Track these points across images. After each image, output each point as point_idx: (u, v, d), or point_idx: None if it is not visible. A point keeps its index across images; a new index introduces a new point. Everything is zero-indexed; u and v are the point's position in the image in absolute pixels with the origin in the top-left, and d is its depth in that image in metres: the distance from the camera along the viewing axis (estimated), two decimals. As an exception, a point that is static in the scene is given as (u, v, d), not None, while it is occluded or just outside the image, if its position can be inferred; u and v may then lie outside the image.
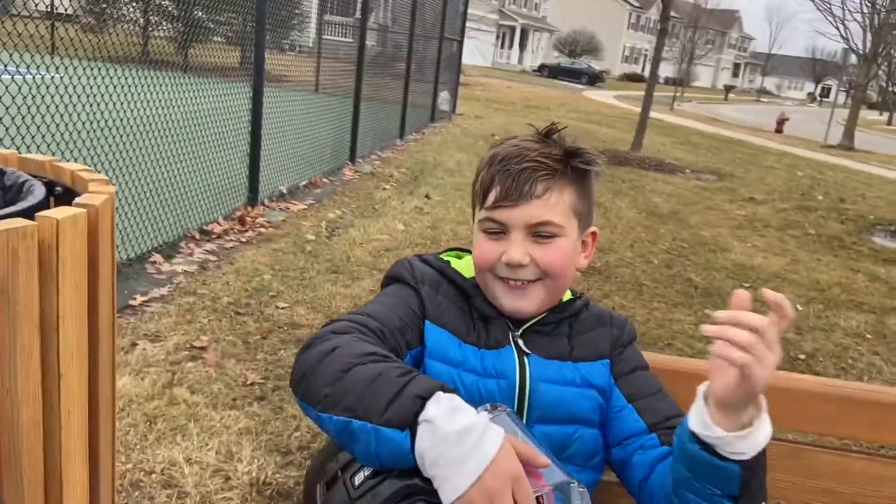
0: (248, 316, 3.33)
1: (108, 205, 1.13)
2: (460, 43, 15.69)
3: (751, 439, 0.80)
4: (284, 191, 5.84)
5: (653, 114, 13.80)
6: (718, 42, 75.82)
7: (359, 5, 8.93)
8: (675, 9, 17.78)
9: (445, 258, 1.15)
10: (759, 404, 0.81)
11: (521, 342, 1.04)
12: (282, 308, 3.47)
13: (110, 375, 1.19)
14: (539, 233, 1.01)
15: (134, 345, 2.89)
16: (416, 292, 1.06)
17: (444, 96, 14.37)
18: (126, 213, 3.94)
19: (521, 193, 1.00)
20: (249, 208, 5.11)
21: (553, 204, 1.01)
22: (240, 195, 5.18)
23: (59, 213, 0.99)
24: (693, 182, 9.83)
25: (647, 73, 18.33)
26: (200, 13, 6.83)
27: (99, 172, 1.28)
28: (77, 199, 1.08)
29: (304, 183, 6.34)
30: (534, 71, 51.36)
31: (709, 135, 18.57)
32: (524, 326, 1.06)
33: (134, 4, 9.90)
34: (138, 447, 2.21)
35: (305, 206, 5.59)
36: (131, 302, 3.29)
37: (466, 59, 23.42)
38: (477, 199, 1.06)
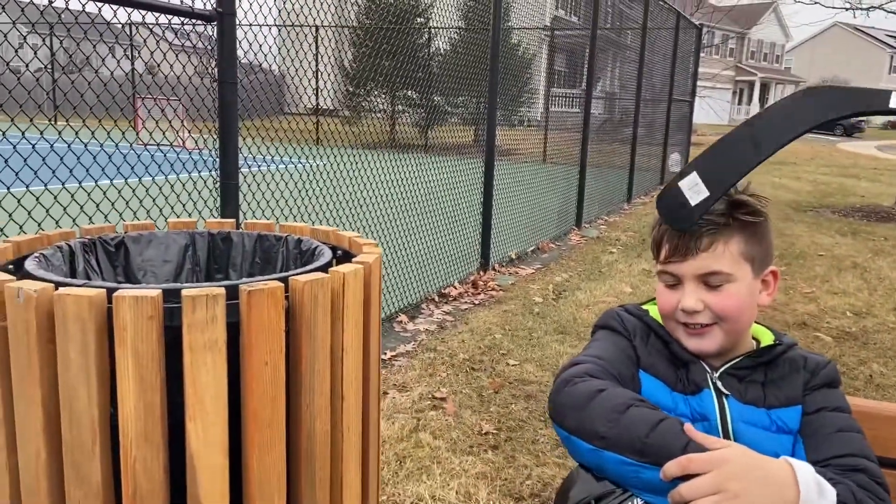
0: (482, 371, 3.58)
1: (377, 262, 1.42)
2: (691, 103, 15.34)
3: None
4: (513, 256, 6.17)
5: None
6: None
7: (584, 77, 9.23)
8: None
9: (644, 307, 1.24)
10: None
11: (719, 383, 1.10)
12: (512, 365, 3.67)
13: (377, 401, 1.45)
14: (709, 282, 1.09)
15: (385, 393, 3.26)
16: (630, 342, 1.17)
17: (674, 158, 14.07)
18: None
19: (687, 249, 1.10)
20: (482, 273, 5.48)
21: (720, 254, 1.08)
22: (473, 261, 5.58)
23: (344, 268, 1.29)
24: (978, 236, 8.47)
25: (912, 117, 16.28)
26: (438, 98, 7.59)
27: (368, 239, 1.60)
28: (355, 258, 1.38)
29: (531, 248, 6.63)
30: (775, 124, 47.74)
31: None
32: (721, 370, 1.12)
33: (383, 97, 11.15)
34: (391, 482, 2.50)
35: (533, 271, 5.84)
36: (382, 356, 3.72)
37: (699, 118, 22.67)
38: (653, 253, 1.17)
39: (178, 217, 3.11)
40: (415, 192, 5.07)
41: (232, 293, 1.15)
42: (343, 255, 1.57)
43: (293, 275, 1.23)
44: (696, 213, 1.06)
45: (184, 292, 1.10)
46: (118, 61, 3.09)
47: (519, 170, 7.15)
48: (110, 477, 1.14)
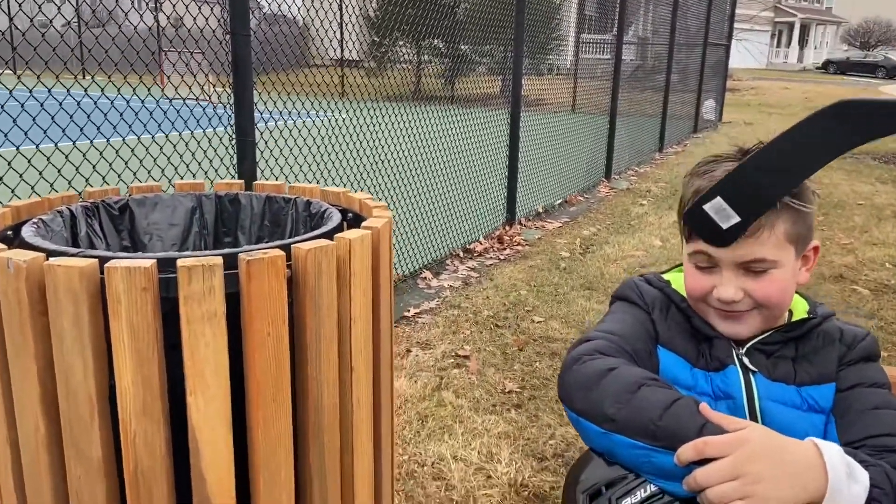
0: (506, 328, 3.53)
1: (387, 227, 1.34)
2: (727, 47, 14.78)
3: None
4: (540, 210, 6.05)
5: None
6: None
7: (616, 21, 8.90)
8: None
9: (666, 278, 1.15)
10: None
11: (746, 360, 1.02)
12: (537, 322, 3.62)
13: (389, 371, 1.40)
14: (751, 268, 0.99)
15: (408, 351, 3.24)
16: (648, 315, 1.09)
17: (708, 105, 13.64)
18: (402, 236, 4.42)
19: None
20: (507, 228, 5.39)
21: (765, 240, 0.97)
22: (499, 216, 5.49)
23: (351, 234, 1.22)
24: None
25: (963, 58, 15.44)
26: (465, 47, 7.39)
27: (380, 200, 1.52)
28: (364, 223, 1.31)
29: (559, 202, 6.50)
30: (817, 69, 46.17)
31: None
32: (748, 345, 1.03)
33: (408, 47, 10.94)
34: (412, 441, 2.48)
35: (560, 224, 5.73)
36: (405, 314, 3.68)
37: (735, 63, 21.93)
38: (683, 231, 1.05)
39: (194, 177, 3.07)
40: (440, 146, 4.96)
41: (231, 262, 1.10)
42: (354, 218, 1.50)
43: (296, 242, 1.17)
44: (730, 236, 0.96)
45: (179, 262, 1.04)
46: (141, 15, 3.03)
47: (547, 120, 6.97)
48: (112, 453, 1.11)
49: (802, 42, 52.13)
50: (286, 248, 1.15)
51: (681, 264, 1.19)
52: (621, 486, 0.92)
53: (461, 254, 4.78)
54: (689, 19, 11.40)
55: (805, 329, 1.04)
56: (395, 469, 1.50)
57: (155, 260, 1.06)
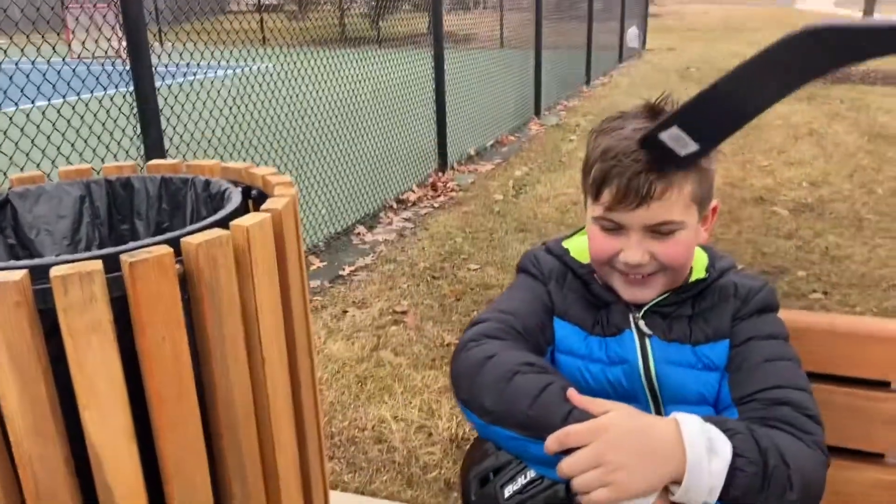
0: (443, 279, 3.51)
1: (291, 206, 1.27)
2: (648, -29, 14.72)
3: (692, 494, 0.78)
4: (472, 153, 5.99)
5: (880, 14, 11.96)
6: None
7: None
8: None
9: (566, 245, 1.12)
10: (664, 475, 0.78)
11: (641, 323, 1.00)
12: (473, 270, 3.60)
13: (308, 355, 1.35)
14: (659, 230, 0.96)
15: (344, 312, 3.19)
16: (545, 287, 1.06)
17: (632, 32, 13.64)
18: (332, 191, 4.30)
19: (638, 197, 0.93)
20: (440, 174, 5.32)
21: (673, 202, 0.94)
22: (431, 162, 5.40)
23: (248, 220, 1.14)
24: (937, 92, 8.44)
25: (874, -30, 15.83)
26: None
27: (285, 174, 1.44)
28: (264, 205, 1.23)
29: (490, 143, 6.44)
30: (736, -13, 46.58)
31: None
32: (644, 308, 1.01)
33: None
34: (352, 406, 2.46)
35: (493, 166, 5.69)
36: (341, 272, 3.62)
37: (657, -13, 21.90)
38: (589, 192, 1.01)
39: (106, 149, 2.88)
40: (366, 92, 4.80)
41: (114, 264, 1.01)
42: (258, 196, 1.41)
43: (186, 234, 1.08)
44: (686, 162, 0.91)
45: (52, 272, 0.95)
46: None
47: (475, 58, 6.83)
48: (11, 476, 1.04)
49: (723, -39, 52.44)
50: (175, 243, 1.07)
51: (583, 227, 1.15)
52: (505, 471, 0.92)
53: (395, 205, 4.70)
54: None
55: (700, 288, 1.02)
56: (322, 445, 1.47)
57: (26, 270, 0.97)
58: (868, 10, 10.50)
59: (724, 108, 0.85)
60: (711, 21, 21.81)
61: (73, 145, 2.68)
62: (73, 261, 1.00)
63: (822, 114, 7.15)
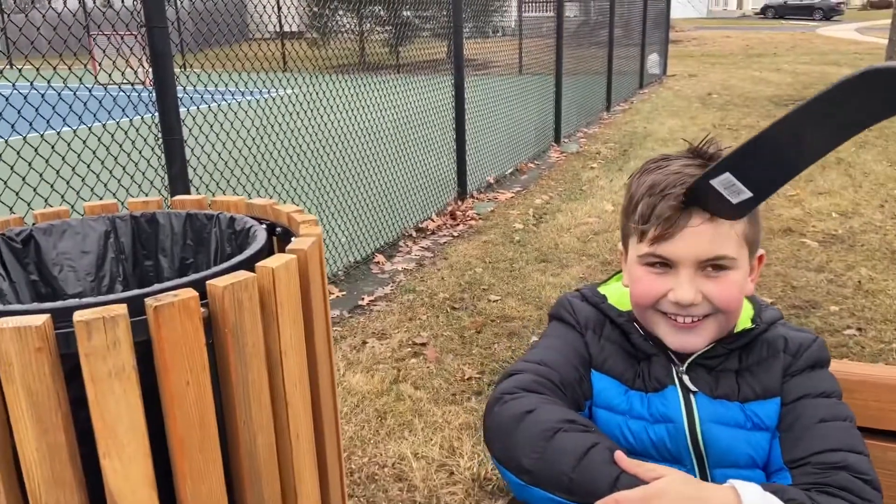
0: (463, 310, 3.47)
1: (316, 247, 1.24)
2: (667, -1, 14.78)
3: None
4: (492, 181, 5.98)
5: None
6: None
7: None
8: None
9: (603, 292, 1.07)
10: None
11: (685, 379, 0.95)
12: (493, 301, 3.56)
13: (331, 397, 1.31)
14: (711, 267, 0.92)
15: (364, 343, 3.15)
16: (582, 337, 1.02)
17: (652, 59, 13.65)
18: (352, 220, 4.30)
19: (690, 226, 0.90)
20: (459, 202, 5.31)
21: (725, 235, 0.90)
22: (450, 190, 5.39)
23: (274, 261, 1.11)
24: (963, 120, 8.31)
25: (895, -3, 15.72)
26: (407, 12, 7.18)
27: (307, 208, 1.42)
28: (289, 246, 1.20)
29: (510, 171, 6.43)
30: (756, 14, 46.69)
31: (984, 58, 15.51)
32: (688, 360, 0.96)
33: (349, 16, 10.64)
34: (371, 442, 2.42)
35: (513, 194, 5.67)
36: (360, 302, 3.59)
37: (676, 14, 21.98)
38: (633, 231, 0.96)
39: (130, 179, 2.89)
40: (385, 118, 4.81)
41: (138, 306, 0.99)
42: (283, 233, 1.39)
43: (211, 277, 1.06)
44: (741, 211, 0.87)
45: (76, 316, 0.93)
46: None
47: (494, 84, 6.85)
48: (27, 524, 1.01)
49: (741, -12, 52.59)
50: (200, 285, 1.05)
51: (620, 272, 1.11)
52: None
53: (414, 233, 4.68)
54: (630, -28, 11.32)
55: (748, 339, 0.98)
56: (345, 491, 1.43)
57: (48, 315, 0.95)
58: (894, 37, 10.42)
59: (778, 153, 0.81)
60: (732, 46, 21.80)
61: (98, 176, 2.70)
62: (96, 304, 0.98)
63: (850, 142, 7.04)
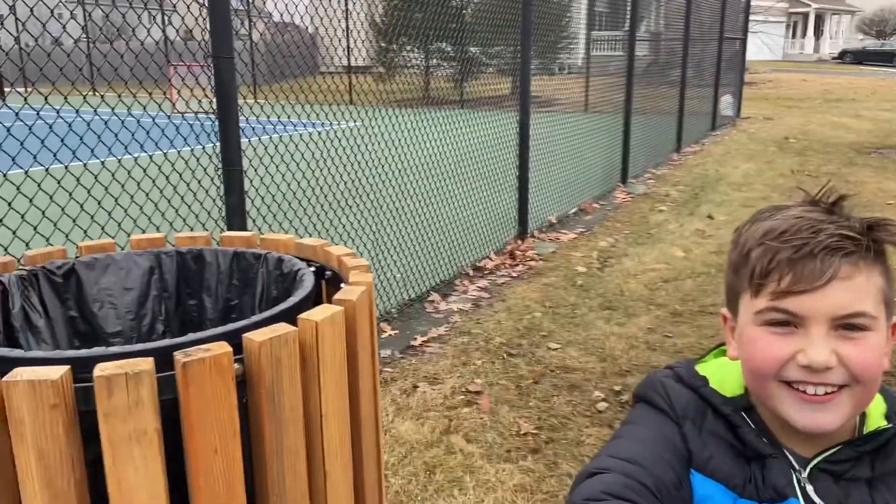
0: (520, 358, 3.31)
1: (366, 297, 1.13)
2: (743, 40, 14.43)
3: None
4: (554, 220, 5.81)
5: None
6: None
7: (627, 17, 8.64)
8: None
9: (702, 373, 0.91)
10: None
11: (810, 490, 0.79)
12: (553, 349, 3.38)
13: (375, 465, 1.18)
14: (848, 326, 0.77)
15: (415, 387, 3.02)
16: (679, 428, 0.85)
17: (726, 100, 13.29)
18: (408, 256, 4.20)
19: (824, 276, 0.76)
20: (519, 242, 5.16)
21: (864, 289, 0.76)
22: (510, 228, 5.25)
23: (318, 314, 1.00)
24: None
25: None
26: (473, 49, 7.18)
27: (365, 247, 1.31)
28: (336, 296, 1.09)
29: (573, 210, 6.25)
30: (833, 59, 45.37)
31: None
32: (812, 463, 0.80)
33: (416, 52, 10.76)
34: (419, 498, 2.27)
35: (575, 235, 5.49)
36: (412, 342, 3.47)
37: (751, 56, 21.51)
38: (747, 285, 0.82)
39: (182, 199, 2.87)
40: (447, 153, 4.73)
41: (166, 360, 0.89)
42: (332, 278, 1.29)
43: (247, 328, 0.95)
44: None
45: (96, 370, 0.84)
46: (148, 30, 2.88)
47: (559, 121, 6.71)
48: None
49: (818, 32, 51.29)
50: (235, 338, 0.94)
51: (721, 345, 0.95)
52: None
53: (471, 272, 4.55)
54: (703, 12, 11.09)
55: (883, 440, 0.81)
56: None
57: (68, 367, 0.85)
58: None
59: None
60: (810, 90, 21.11)
61: (156, 205, 2.68)
62: (121, 355, 0.89)
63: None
